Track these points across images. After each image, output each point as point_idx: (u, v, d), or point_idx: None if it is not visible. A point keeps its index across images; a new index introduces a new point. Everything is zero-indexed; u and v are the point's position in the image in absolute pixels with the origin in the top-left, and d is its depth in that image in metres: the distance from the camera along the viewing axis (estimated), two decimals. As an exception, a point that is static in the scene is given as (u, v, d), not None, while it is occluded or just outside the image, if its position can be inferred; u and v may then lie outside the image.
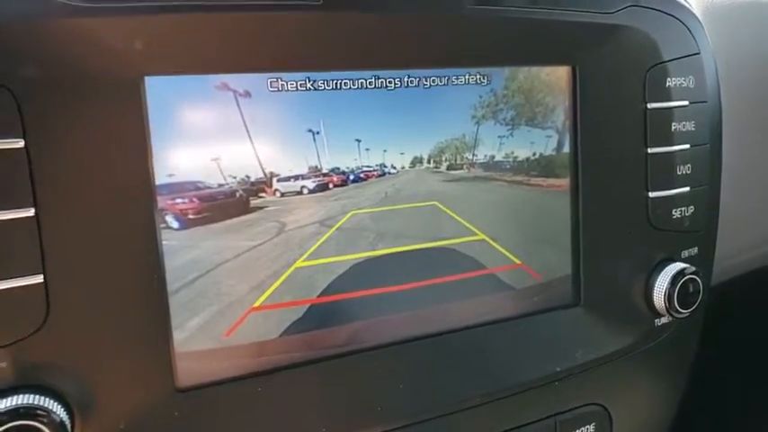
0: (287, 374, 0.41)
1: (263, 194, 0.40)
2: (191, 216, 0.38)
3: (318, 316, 0.41)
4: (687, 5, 0.51)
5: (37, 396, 0.33)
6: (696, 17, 0.51)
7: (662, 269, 0.51)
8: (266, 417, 0.40)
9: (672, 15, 0.50)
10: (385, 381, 0.43)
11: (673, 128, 0.51)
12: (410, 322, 0.45)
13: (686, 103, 0.51)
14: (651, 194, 0.51)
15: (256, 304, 0.40)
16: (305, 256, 0.41)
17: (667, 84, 0.50)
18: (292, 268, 0.41)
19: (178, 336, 0.38)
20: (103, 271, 0.35)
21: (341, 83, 0.40)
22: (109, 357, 0.36)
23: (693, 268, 0.51)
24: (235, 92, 0.38)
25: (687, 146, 0.51)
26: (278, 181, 0.40)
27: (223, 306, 0.39)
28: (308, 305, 0.41)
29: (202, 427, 0.38)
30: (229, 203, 0.39)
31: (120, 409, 0.36)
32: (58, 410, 0.33)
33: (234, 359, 0.40)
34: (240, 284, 0.39)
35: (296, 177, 0.40)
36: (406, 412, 0.43)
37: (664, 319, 0.53)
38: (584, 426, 0.51)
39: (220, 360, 0.40)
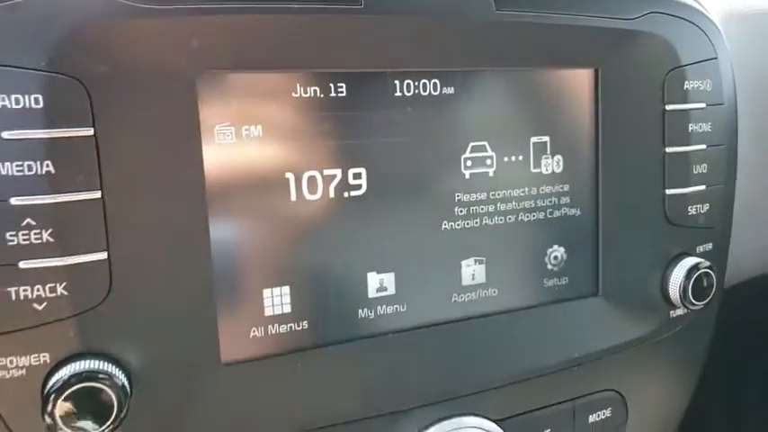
0: (322, 352, 0.44)
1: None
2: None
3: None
4: (705, 12, 0.54)
5: (100, 362, 0.37)
6: (714, 23, 0.54)
7: (677, 263, 0.54)
8: (300, 392, 0.43)
9: (690, 21, 0.52)
10: (413, 362, 0.46)
11: (690, 129, 0.53)
12: (437, 309, 0.48)
13: (703, 105, 0.54)
14: (668, 192, 0.53)
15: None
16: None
17: (685, 86, 0.53)
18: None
19: (222, 313, 0.41)
20: (159, 251, 0.38)
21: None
22: (163, 330, 0.39)
23: (708, 263, 0.53)
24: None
25: (704, 146, 0.54)
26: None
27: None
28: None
29: (244, 399, 0.42)
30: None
31: (171, 378, 0.40)
32: (119, 375, 0.37)
33: (273, 337, 0.43)
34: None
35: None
36: (431, 391, 0.46)
37: (679, 311, 0.56)
38: (600, 410, 0.53)
39: (261, 337, 0.43)
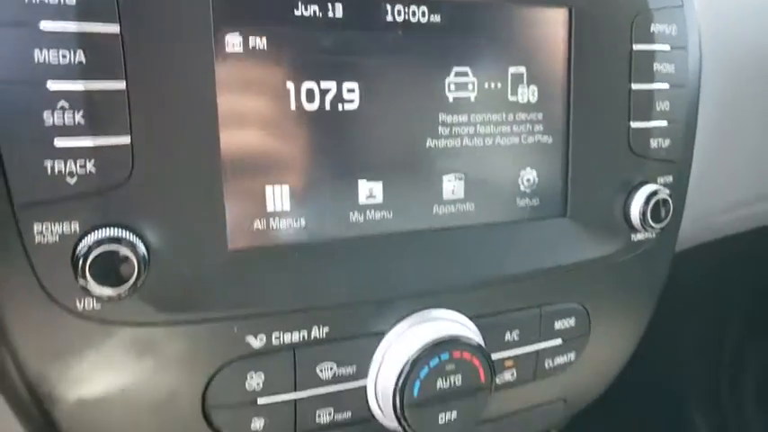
0: (318, 246, 0.50)
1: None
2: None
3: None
4: (672, -39, 0.60)
5: (123, 231, 0.42)
6: (680, -28, 0.60)
7: (638, 189, 0.59)
8: (299, 276, 0.49)
9: (658, -31, 0.58)
10: (396, 261, 0.52)
11: (654, 68, 0.59)
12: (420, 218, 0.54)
13: (668, 47, 0.59)
14: (632, 125, 0.59)
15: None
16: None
17: (651, 29, 0.58)
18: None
19: (229, 205, 0.46)
20: (175, 141, 0.44)
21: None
22: (177, 214, 0.45)
23: (666, 190, 0.59)
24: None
25: (666, 85, 0.60)
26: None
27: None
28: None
29: (248, 281, 0.47)
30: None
31: (184, 258, 0.45)
32: (140, 245, 0.42)
33: (274, 230, 0.49)
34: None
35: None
36: (412, 283, 0.52)
37: (640, 236, 0.61)
38: (564, 318, 0.59)
39: (263, 229, 0.48)
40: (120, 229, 0.42)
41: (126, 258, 0.41)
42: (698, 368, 1.25)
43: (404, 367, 0.50)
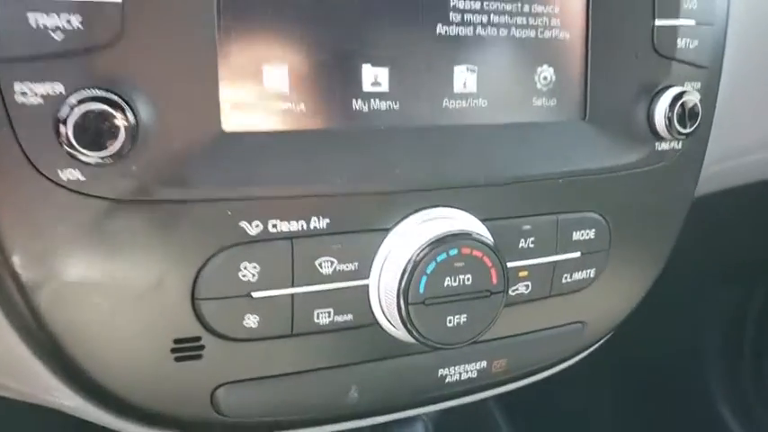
0: (318, 133, 0.47)
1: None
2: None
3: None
4: None
5: (110, 94, 0.39)
6: None
7: (664, 92, 0.56)
8: (297, 162, 0.45)
9: None
10: (402, 155, 0.49)
11: (681, -39, 0.55)
12: (428, 112, 0.50)
13: (697, -61, 0.55)
14: (657, 22, 0.55)
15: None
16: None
17: None
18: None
19: (224, 81, 0.43)
20: (170, 5, 0.41)
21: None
22: (169, 86, 0.42)
23: (694, 92, 0.55)
24: None
25: (694, -21, 0.56)
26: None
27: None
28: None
29: (244, 165, 0.44)
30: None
31: (174, 134, 0.42)
32: (127, 110, 0.39)
33: (273, 113, 0.46)
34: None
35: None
36: (419, 177, 0.48)
37: (665, 145, 0.58)
38: (584, 230, 0.55)
39: (261, 112, 0.45)
40: (106, 92, 0.39)
41: (112, 120, 0.39)
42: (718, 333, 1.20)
43: (409, 262, 0.47)
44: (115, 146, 0.39)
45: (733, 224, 1.05)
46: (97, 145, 0.39)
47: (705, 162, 0.62)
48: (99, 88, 0.39)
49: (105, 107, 0.38)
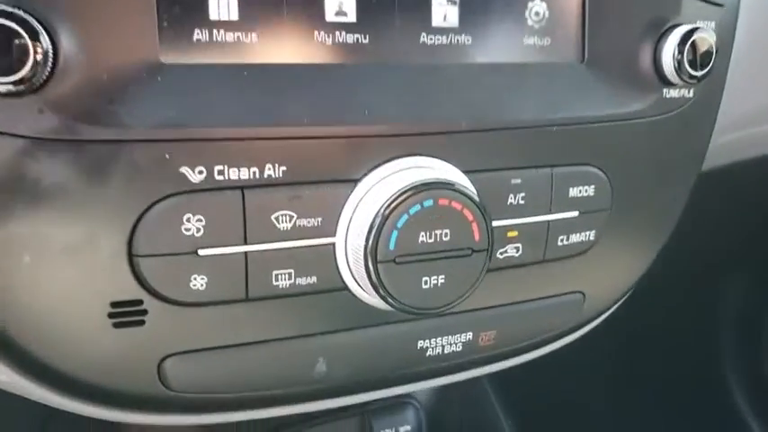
0: (275, 68, 0.41)
1: None
2: None
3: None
4: None
5: (18, 10, 0.33)
6: None
7: (673, 31, 0.49)
8: (248, 100, 0.39)
9: None
10: (371, 94, 0.43)
11: None
12: (403, 47, 0.44)
13: None
14: (665, -50, 0.49)
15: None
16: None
17: None
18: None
19: (162, 7, 0.38)
20: None
21: None
22: (95, 8, 0.36)
23: (708, 30, 0.48)
24: None
25: None
26: None
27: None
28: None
29: (184, 101, 0.38)
30: None
31: (103, 64, 0.37)
32: (43, 33, 0.34)
33: (219, 45, 0.40)
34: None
35: None
36: (392, 120, 0.42)
37: (674, 92, 0.51)
38: (582, 185, 0.49)
39: (205, 42, 0.39)
40: (13, 7, 0.33)
41: (19, 40, 0.33)
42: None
43: (377, 214, 0.40)
44: (25, 71, 0.33)
45: (745, 203, 0.98)
46: (3, 68, 0.33)
47: (716, 127, 0.55)
48: (4, 2, 0.33)
49: (9, 23, 0.32)
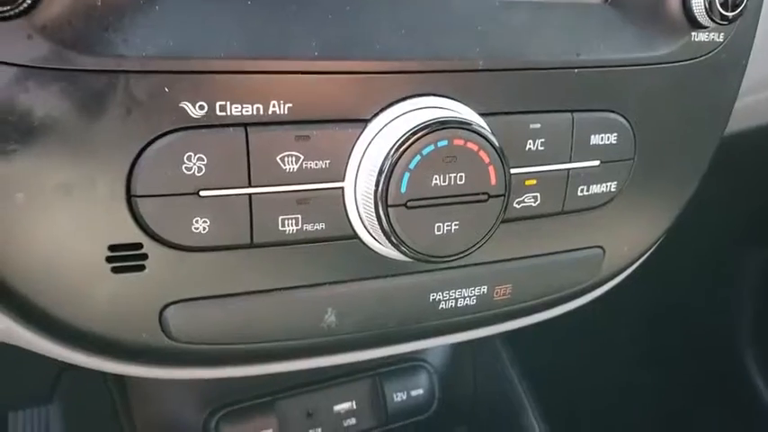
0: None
1: None
2: None
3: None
4: None
5: None
6: None
7: (704, -31, 0.46)
8: (252, 31, 0.37)
9: None
10: (383, 26, 0.40)
11: None
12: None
13: None
14: None
15: None
16: None
17: None
18: None
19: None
20: None
21: None
22: None
23: (740, -31, 0.45)
24: None
25: None
26: None
27: None
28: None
29: (182, 28, 0.36)
30: None
31: None
32: None
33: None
34: None
35: None
36: (405, 57, 0.40)
37: (703, 36, 0.48)
38: (604, 133, 0.46)
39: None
40: None
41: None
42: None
43: (388, 155, 0.38)
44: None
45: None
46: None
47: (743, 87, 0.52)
48: None
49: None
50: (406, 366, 0.81)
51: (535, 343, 0.89)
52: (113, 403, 0.77)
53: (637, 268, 0.58)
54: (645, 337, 1.15)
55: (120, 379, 0.76)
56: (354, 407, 0.80)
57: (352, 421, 0.79)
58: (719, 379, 1.11)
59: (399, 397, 0.82)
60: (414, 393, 0.81)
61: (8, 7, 0.31)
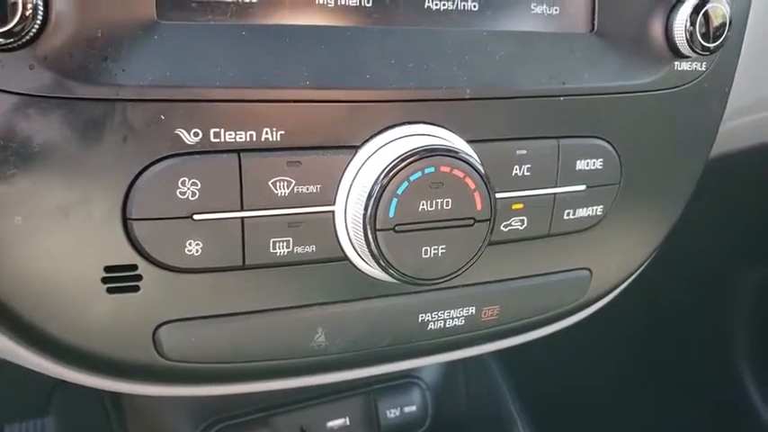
0: (274, 29, 0.40)
1: None
2: None
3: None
4: None
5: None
6: None
7: (685, 0, 0.48)
8: (246, 61, 0.39)
9: None
10: (373, 57, 0.41)
11: None
12: (407, 12, 0.43)
13: None
14: None
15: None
16: None
17: None
18: None
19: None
20: None
21: None
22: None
23: (721, 0, 0.47)
24: None
25: None
26: None
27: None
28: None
29: (180, 60, 0.37)
30: None
31: (97, 21, 0.36)
32: None
33: (215, 4, 0.39)
34: None
35: None
36: (394, 86, 0.41)
37: (685, 65, 0.50)
38: (590, 158, 0.48)
39: (203, 4, 0.38)
40: None
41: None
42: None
43: (377, 181, 0.39)
44: (13, 23, 0.32)
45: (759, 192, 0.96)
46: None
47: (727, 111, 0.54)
48: None
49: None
50: (399, 383, 0.82)
51: (528, 360, 0.90)
52: (108, 417, 0.78)
53: (631, 284, 0.59)
54: (638, 352, 1.15)
55: (115, 394, 0.77)
56: (348, 423, 0.80)
57: (346, 437, 0.79)
58: (714, 394, 1.11)
59: (393, 413, 0.82)
60: (407, 410, 0.82)
61: (12, 39, 0.33)
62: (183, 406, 0.76)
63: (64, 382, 0.45)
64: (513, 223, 0.47)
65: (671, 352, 1.12)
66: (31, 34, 0.33)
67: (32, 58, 0.34)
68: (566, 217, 0.48)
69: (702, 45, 0.48)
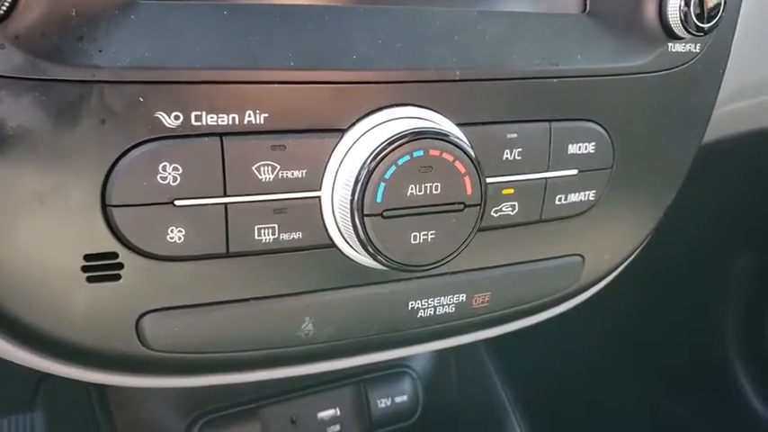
0: (257, 8, 0.38)
1: None
2: None
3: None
4: None
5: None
6: None
7: (680, -19, 0.47)
8: (227, 41, 0.37)
9: None
10: (360, 36, 0.40)
11: None
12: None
13: None
14: None
15: None
16: None
17: None
18: None
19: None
20: None
21: None
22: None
23: (716, -20, 0.46)
24: None
25: None
26: None
27: None
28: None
29: (158, 40, 0.36)
30: None
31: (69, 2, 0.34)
32: None
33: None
34: None
35: None
36: (382, 67, 0.40)
37: (679, 47, 0.49)
38: (581, 142, 0.47)
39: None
40: None
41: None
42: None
43: (364, 165, 0.38)
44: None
45: (753, 180, 0.95)
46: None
47: (720, 95, 0.53)
48: None
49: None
50: (390, 373, 0.81)
51: (519, 348, 0.89)
52: (94, 411, 0.77)
53: (622, 275, 0.58)
54: (630, 342, 1.15)
55: (101, 386, 0.76)
56: (338, 413, 0.80)
57: (336, 428, 0.79)
58: (707, 385, 1.11)
59: (383, 403, 0.82)
60: (398, 400, 0.81)
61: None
62: (170, 398, 0.75)
63: (50, 374, 0.44)
64: (503, 208, 0.46)
65: (662, 340, 1.11)
66: (1, 12, 0.32)
67: (3, 37, 0.33)
68: (557, 202, 0.47)
69: (697, 26, 0.47)
